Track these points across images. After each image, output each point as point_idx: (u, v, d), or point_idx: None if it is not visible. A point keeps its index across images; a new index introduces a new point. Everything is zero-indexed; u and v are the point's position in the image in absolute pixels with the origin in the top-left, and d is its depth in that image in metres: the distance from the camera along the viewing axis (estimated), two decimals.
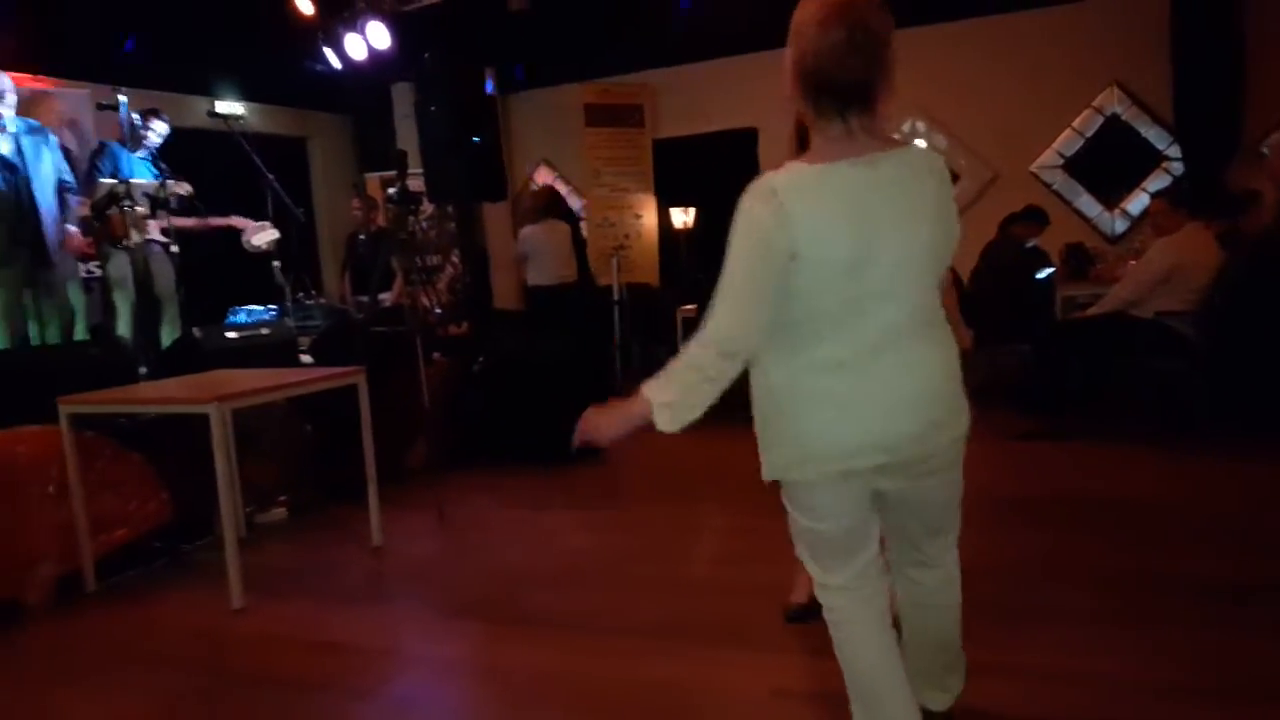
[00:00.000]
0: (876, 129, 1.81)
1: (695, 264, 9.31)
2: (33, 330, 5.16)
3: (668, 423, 1.89)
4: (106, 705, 2.91)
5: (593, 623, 3.25)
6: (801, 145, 2.80)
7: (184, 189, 5.74)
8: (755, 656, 2.91)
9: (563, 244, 7.16)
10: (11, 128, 4.91)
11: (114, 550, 4.01)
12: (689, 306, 6.64)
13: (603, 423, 1.98)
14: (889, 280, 1.81)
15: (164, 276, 5.71)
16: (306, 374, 4.31)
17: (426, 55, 5.67)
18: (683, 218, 9.83)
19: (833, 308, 1.82)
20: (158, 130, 5.90)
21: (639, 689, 2.77)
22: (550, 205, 7.37)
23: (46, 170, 5.03)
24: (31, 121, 5.15)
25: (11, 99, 4.90)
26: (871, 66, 1.75)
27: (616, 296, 8.57)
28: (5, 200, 4.80)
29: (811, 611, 2.92)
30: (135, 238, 5.47)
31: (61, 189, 5.24)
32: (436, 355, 5.90)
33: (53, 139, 5.23)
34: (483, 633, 3.26)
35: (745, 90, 9.40)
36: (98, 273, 6.12)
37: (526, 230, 7.19)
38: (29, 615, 3.65)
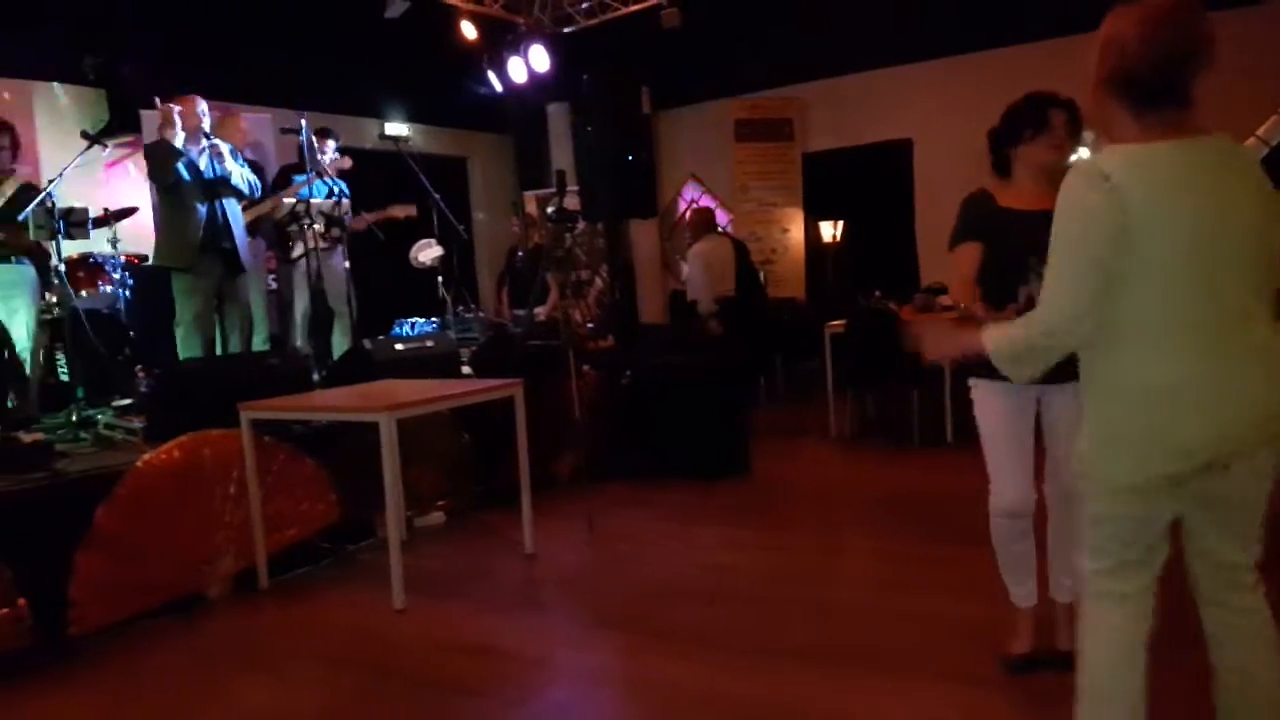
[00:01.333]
0: (1190, 121, 1.81)
1: (844, 278, 9.13)
2: (218, 336, 5.53)
3: (999, 362, 1.96)
4: (280, 695, 3.05)
5: (740, 642, 3.19)
6: (999, 168, 2.70)
7: (346, 163, 5.91)
8: (904, 685, 2.79)
9: (728, 260, 7.19)
10: (208, 141, 5.27)
11: (286, 548, 4.22)
12: (837, 323, 6.50)
13: (943, 343, 2.18)
14: (1228, 260, 1.76)
15: (335, 289, 6.00)
16: (468, 385, 4.43)
17: (585, 77, 5.77)
18: (831, 231, 9.66)
19: (1173, 291, 1.76)
20: (329, 150, 6.20)
21: (784, 713, 2.70)
22: (711, 223, 7.44)
23: (236, 181, 5.36)
24: (232, 145, 5.51)
25: (209, 120, 5.26)
26: (1192, 67, 1.78)
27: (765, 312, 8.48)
28: (201, 214, 5.14)
29: (1037, 662, 2.75)
30: (301, 251, 5.82)
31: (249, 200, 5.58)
32: (586, 368, 5.98)
33: (241, 158, 5.56)
34: (633, 646, 3.25)
35: (899, 102, 9.19)
36: (275, 285, 6.50)
37: (698, 248, 7.23)
38: (211, 607, 3.88)
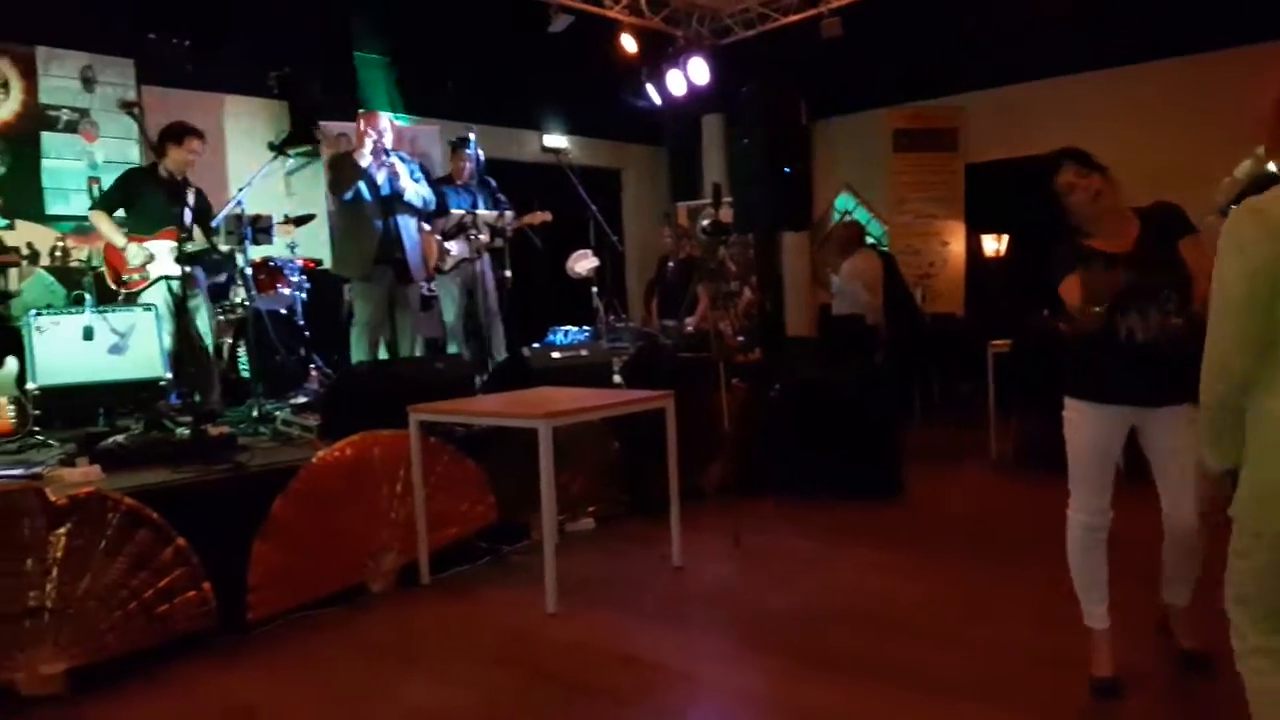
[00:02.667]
0: None
1: (1008, 294, 8.78)
2: (384, 341, 5.81)
3: (1216, 463, 1.96)
4: (439, 692, 3.17)
5: (893, 673, 3.12)
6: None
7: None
8: None
9: (877, 275, 7.06)
10: (392, 159, 5.54)
11: (446, 546, 4.39)
12: (1000, 342, 6.26)
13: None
14: None
15: (489, 298, 6.22)
16: (622, 396, 4.51)
17: (743, 89, 5.78)
18: (994, 245, 9.33)
19: None
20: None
21: None
22: (860, 237, 7.31)
23: (410, 197, 5.62)
24: (400, 153, 5.79)
25: (389, 136, 5.53)
26: None
27: (920, 327, 8.27)
28: (376, 224, 5.42)
29: (1119, 684, 2.79)
30: (455, 261, 6.06)
31: (420, 214, 5.83)
32: (735, 381, 5.97)
33: (416, 168, 5.81)
34: (782, 669, 3.22)
35: (1071, 112, 8.79)
36: (434, 292, 6.77)
37: (849, 264, 7.13)
38: (375, 600, 4.07)
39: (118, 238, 5.11)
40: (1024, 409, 6.31)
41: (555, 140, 10.79)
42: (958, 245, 9.88)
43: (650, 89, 8.26)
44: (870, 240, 9.88)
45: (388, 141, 5.47)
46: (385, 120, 5.49)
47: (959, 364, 8.26)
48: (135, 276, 5.11)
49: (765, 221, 6.25)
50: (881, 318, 7.09)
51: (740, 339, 5.96)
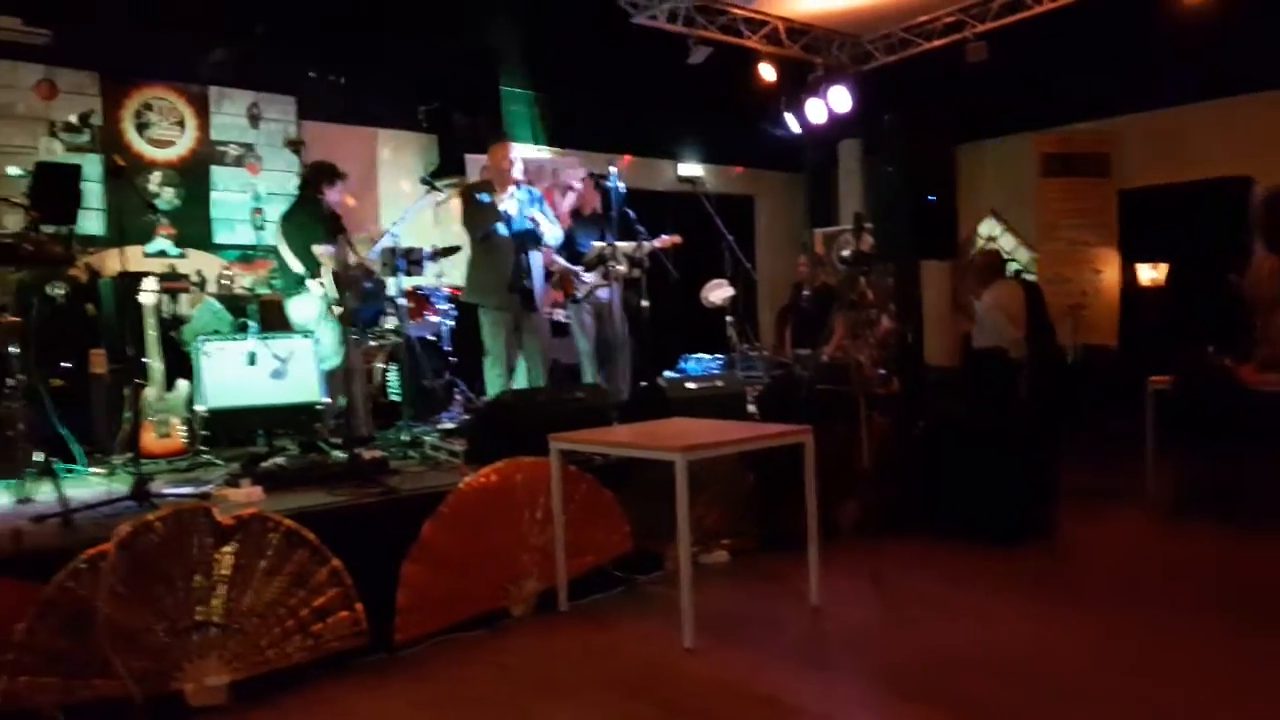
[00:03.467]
0: None
1: (1166, 327, 8.32)
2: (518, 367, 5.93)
3: None
4: None
5: None
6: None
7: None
8: None
9: (1020, 306, 6.81)
10: (520, 194, 5.68)
11: (582, 574, 4.44)
12: (1161, 378, 5.92)
13: None
14: None
15: (617, 326, 6.31)
16: (759, 430, 4.47)
17: (886, 117, 5.68)
18: (1151, 274, 8.86)
19: None
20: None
21: None
22: (1000, 266, 7.07)
23: (549, 240, 5.76)
24: (531, 188, 5.93)
25: (519, 167, 5.68)
26: None
27: (1070, 360, 7.91)
28: (508, 254, 5.56)
29: None
30: (585, 291, 6.15)
31: (544, 246, 5.95)
32: (873, 414, 5.84)
33: (544, 203, 5.94)
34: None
35: (1236, 136, 8.30)
36: (564, 318, 6.87)
37: (990, 294, 6.92)
38: (514, 625, 4.14)
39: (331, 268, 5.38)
40: (1188, 451, 5.93)
41: (690, 169, 10.87)
42: (1111, 274, 9.43)
43: (789, 118, 8.21)
44: (1015, 268, 9.56)
45: (517, 173, 5.61)
46: (515, 151, 5.64)
47: (1111, 399, 7.86)
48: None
49: (908, 251, 6.12)
50: (1024, 350, 6.83)
51: (880, 372, 5.83)
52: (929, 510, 5.55)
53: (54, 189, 3.61)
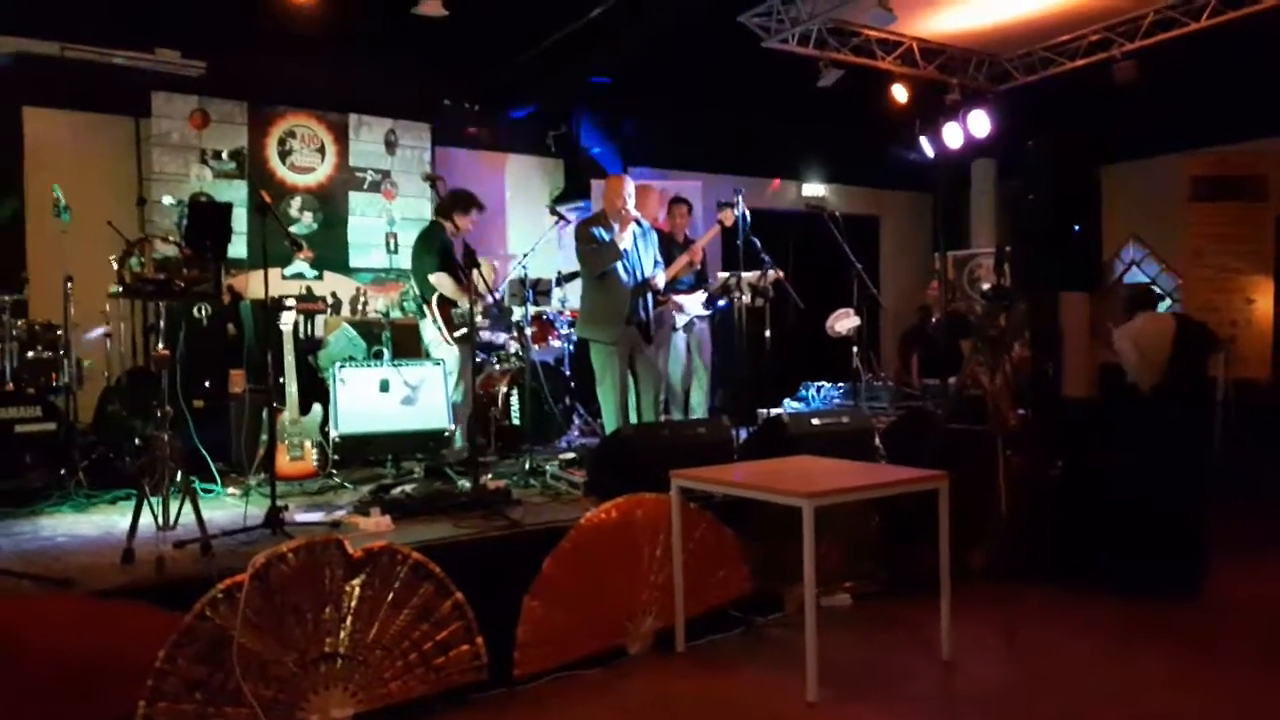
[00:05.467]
0: None
1: None
2: (632, 399, 5.85)
3: None
4: None
5: None
6: None
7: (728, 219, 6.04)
8: None
9: (1163, 341, 6.36)
10: (634, 227, 5.59)
11: (701, 614, 4.32)
12: None
13: None
14: None
15: (703, 355, 6.27)
16: (893, 475, 4.28)
17: (1030, 143, 5.41)
18: None
19: None
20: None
21: None
22: (1146, 301, 6.64)
23: (649, 261, 5.67)
24: (642, 222, 5.84)
25: (634, 202, 5.55)
26: None
27: (1220, 395, 7.38)
28: (624, 290, 5.49)
29: None
30: (684, 320, 6.07)
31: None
32: (1008, 452, 5.54)
33: (653, 233, 5.85)
34: None
35: None
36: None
37: (1128, 324, 6.51)
38: (632, 664, 4.06)
39: (459, 295, 5.47)
40: None
41: (814, 189, 10.67)
42: (1265, 303, 8.78)
43: (923, 142, 7.94)
44: (1168, 303, 9.00)
45: (633, 208, 5.49)
46: (631, 185, 5.51)
47: (1264, 437, 7.29)
48: (465, 331, 5.47)
49: (1050, 282, 5.82)
50: (1158, 382, 6.36)
51: (1019, 412, 5.53)
52: (1066, 557, 5.23)
53: (207, 226, 3.74)
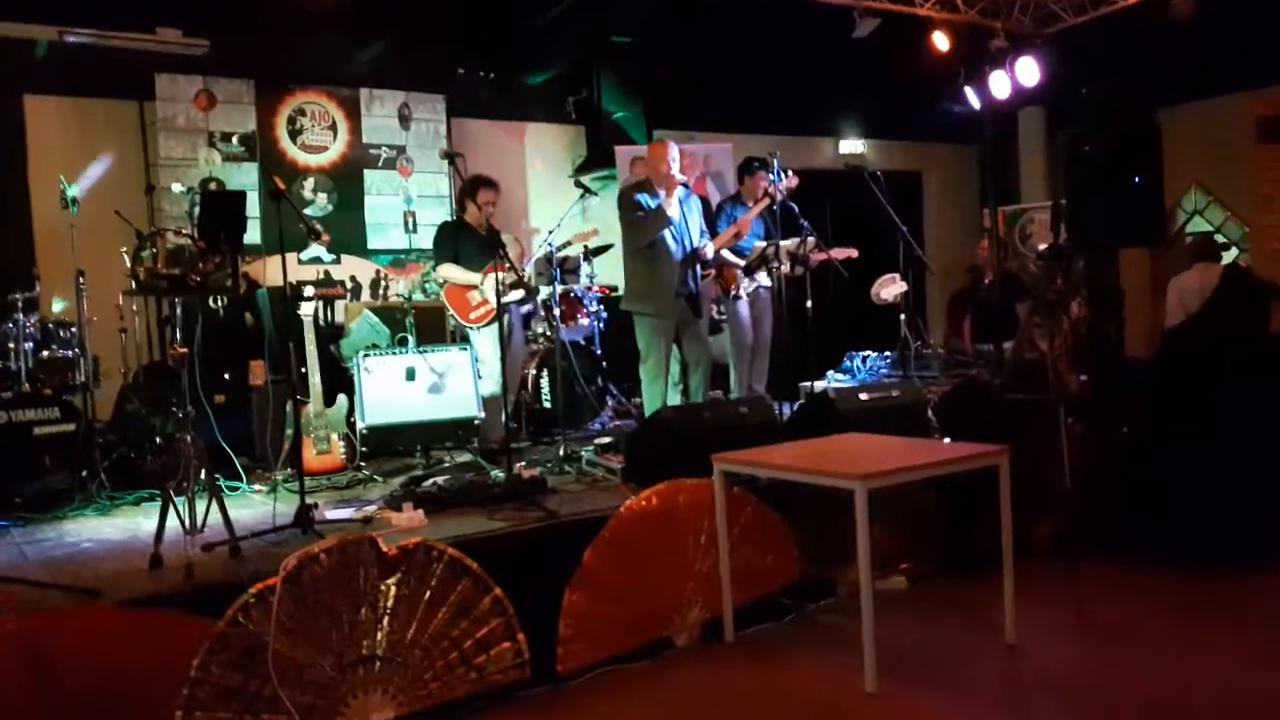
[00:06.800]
0: None
1: None
2: (675, 375, 5.84)
3: None
4: None
5: None
6: None
7: (793, 182, 5.97)
8: None
9: (1202, 287, 6.28)
10: (680, 192, 5.56)
11: (749, 602, 4.32)
12: None
13: None
14: None
15: (766, 325, 6.19)
16: (949, 452, 4.23)
17: (1084, 90, 5.29)
18: None
19: None
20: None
21: None
22: (1209, 251, 6.53)
23: (695, 229, 5.63)
24: (686, 186, 5.80)
25: (679, 165, 5.52)
26: None
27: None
28: (672, 260, 5.45)
29: None
30: (747, 288, 6.01)
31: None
32: (1070, 420, 5.47)
33: (696, 199, 5.79)
34: None
35: None
36: (723, 315, 6.73)
37: (1175, 279, 6.42)
38: (678, 656, 4.07)
39: (471, 278, 5.51)
40: None
41: (851, 146, 10.54)
42: None
43: (969, 92, 7.80)
44: (1234, 253, 8.83)
45: (678, 173, 5.44)
46: (675, 150, 5.47)
47: None
48: (482, 310, 5.50)
49: (1109, 239, 5.68)
50: (1174, 329, 6.27)
51: (1080, 377, 5.45)
52: (1133, 529, 5.16)
53: (220, 217, 3.75)
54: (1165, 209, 6.49)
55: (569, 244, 6.45)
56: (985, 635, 4.10)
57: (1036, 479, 4.99)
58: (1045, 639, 4.06)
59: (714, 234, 5.88)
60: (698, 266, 5.58)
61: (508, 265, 4.77)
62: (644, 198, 5.41)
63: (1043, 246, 5.64)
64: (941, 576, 4.85)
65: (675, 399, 5.70)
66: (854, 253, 6.31)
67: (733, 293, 6.11)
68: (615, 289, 7.64)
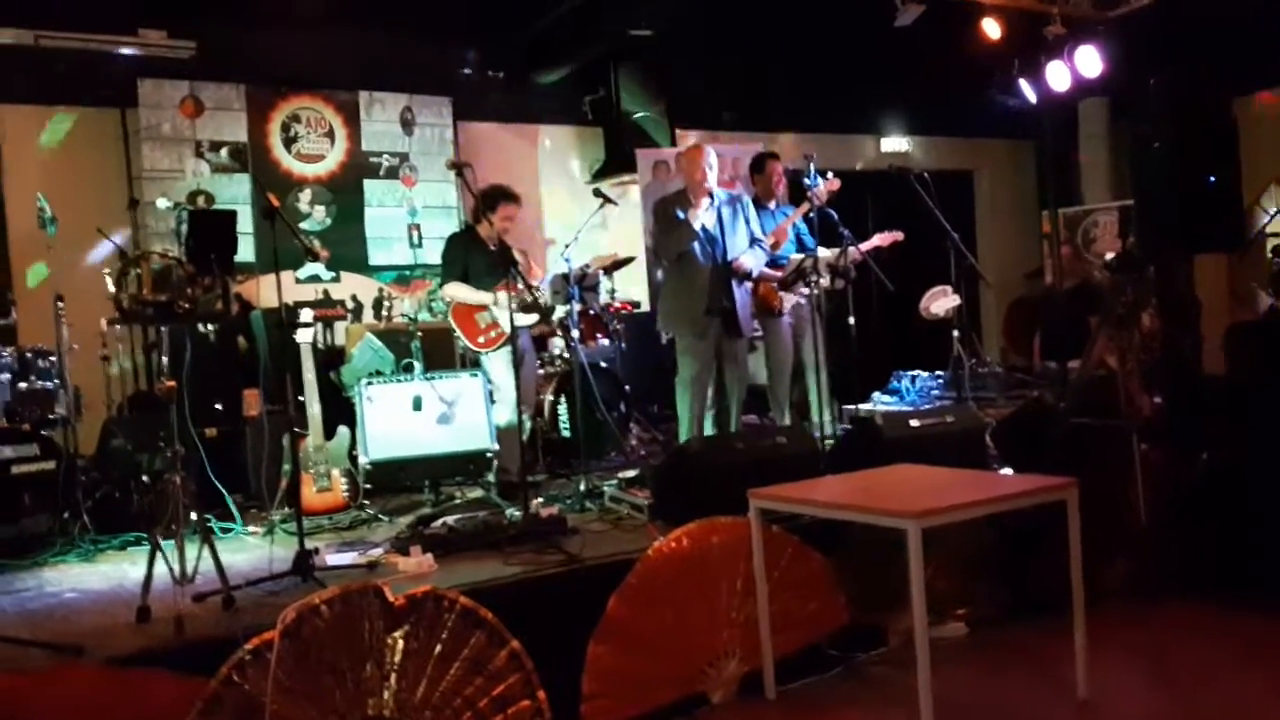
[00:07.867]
0: None
1: None
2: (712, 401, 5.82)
3: None
4: None
5: None
6: None
7: (834, 185, 5.95)
8: None
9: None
10: (720, 195, 5.55)
11: (792, 653, 4.28)
12: None
13: None
14: None
15: (811, 342, 6.09)
16: (1011, 487, 4.19)
17: (1152, 81, 5.26)
18: None
19: None
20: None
21: None
22: None
23: (741, 241, 5.59)
24: (731, 191, 5.79)
25: (714, 175, 5.51)
26: None
27: None
28: (704, 274, 5.45)
29: None
30: (790, 304, 6.00)
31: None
32: (1143, 446, 5.41)
33: (741, 204, 5.75)
34: None
35: None
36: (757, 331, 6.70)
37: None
38: (715, 713, 4.04)
39: (481, 297, 5.55)
40: None
41: (895, 144, 10.53)
42: None
43: (1023, 84, 7.77)
44: None
45: (712, 181, 5.44)
46: (712, 156, 5.46)
47: None
48: (492, 334, 5.52)
49: (1182, 244, 5.65)
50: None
51: (1154, 400, 5.40)
52: (1220, 566, 5.09)
53: (210, 238, 3.78)
54: (1243, 209, 6.41)
55: (588, 266, 6.48)
56: (1054, 689, 4.04)
57: (1108, 512, 4.94)
58: (1122, 693, 4.02)
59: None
60: (733, 280, 5.53)
61: (520, 285, 4.78)
62: (679, 211, 5.44)
63: (1109, 255, 5.59)
64: (1004, 622, 4.80)
65: (710, 429, 5.67)
66: (899, 236, 6.27)
67: (776, 309, 6.08)
68: (639, 305, 7.66)
